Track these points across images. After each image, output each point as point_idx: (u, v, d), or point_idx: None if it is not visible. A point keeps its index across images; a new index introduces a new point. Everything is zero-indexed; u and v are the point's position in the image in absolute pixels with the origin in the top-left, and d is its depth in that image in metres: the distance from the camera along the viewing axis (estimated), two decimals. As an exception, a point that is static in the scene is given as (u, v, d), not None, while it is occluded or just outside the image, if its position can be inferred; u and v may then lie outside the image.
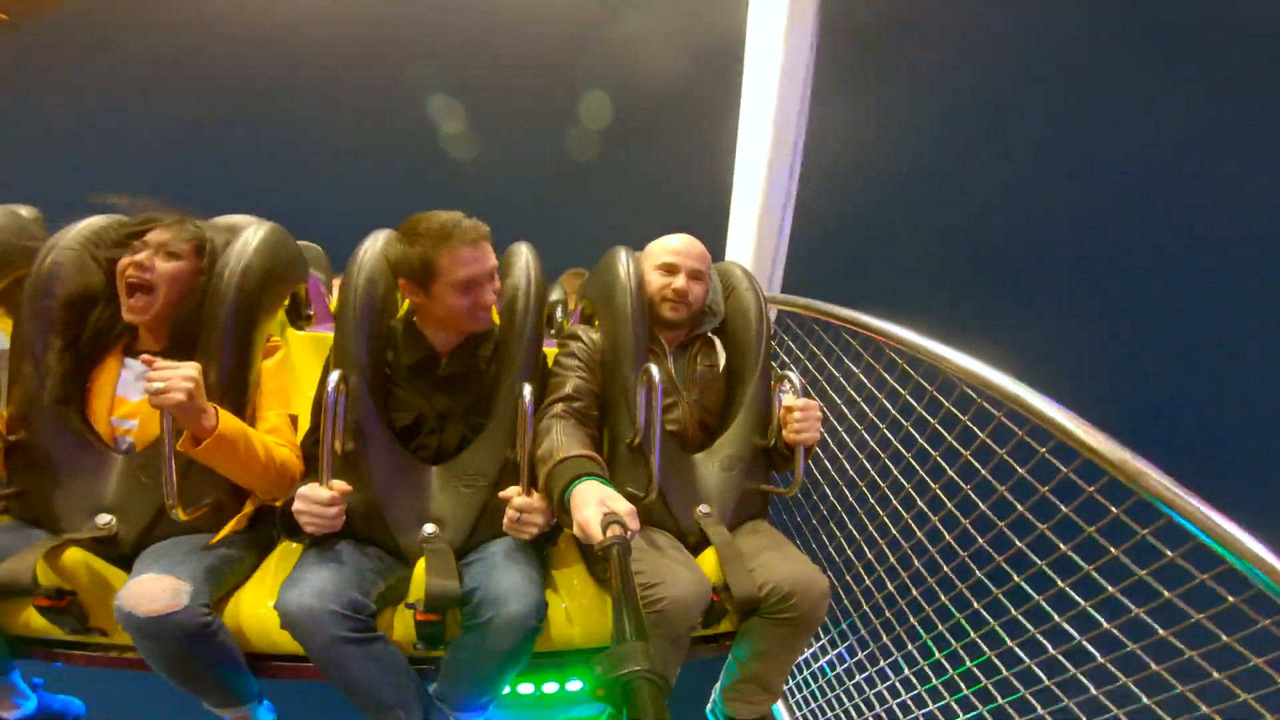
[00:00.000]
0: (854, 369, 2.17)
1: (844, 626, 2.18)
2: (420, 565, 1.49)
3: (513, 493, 1.53)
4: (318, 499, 1.44)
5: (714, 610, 1.60)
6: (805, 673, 2.38)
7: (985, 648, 1.67)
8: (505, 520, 1.53)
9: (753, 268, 2.59)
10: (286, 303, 1.84)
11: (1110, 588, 1.44)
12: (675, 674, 1.63)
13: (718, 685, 1.83)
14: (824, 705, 2.26)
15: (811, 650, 2.35)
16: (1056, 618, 1.53)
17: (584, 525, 1.25)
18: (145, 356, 1.36)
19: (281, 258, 1.69)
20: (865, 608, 2.09)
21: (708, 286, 1.95)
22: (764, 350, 1.92)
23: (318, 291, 2.11)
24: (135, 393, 1.57)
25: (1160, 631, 1.36)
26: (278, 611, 1.38)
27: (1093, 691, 1.46)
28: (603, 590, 1.67)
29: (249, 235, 1.64)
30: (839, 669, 2.20)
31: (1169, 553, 1.35)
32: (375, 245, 1.69)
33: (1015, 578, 1.60)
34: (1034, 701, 1.56)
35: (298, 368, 2.06)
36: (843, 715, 2.15)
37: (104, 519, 1.50)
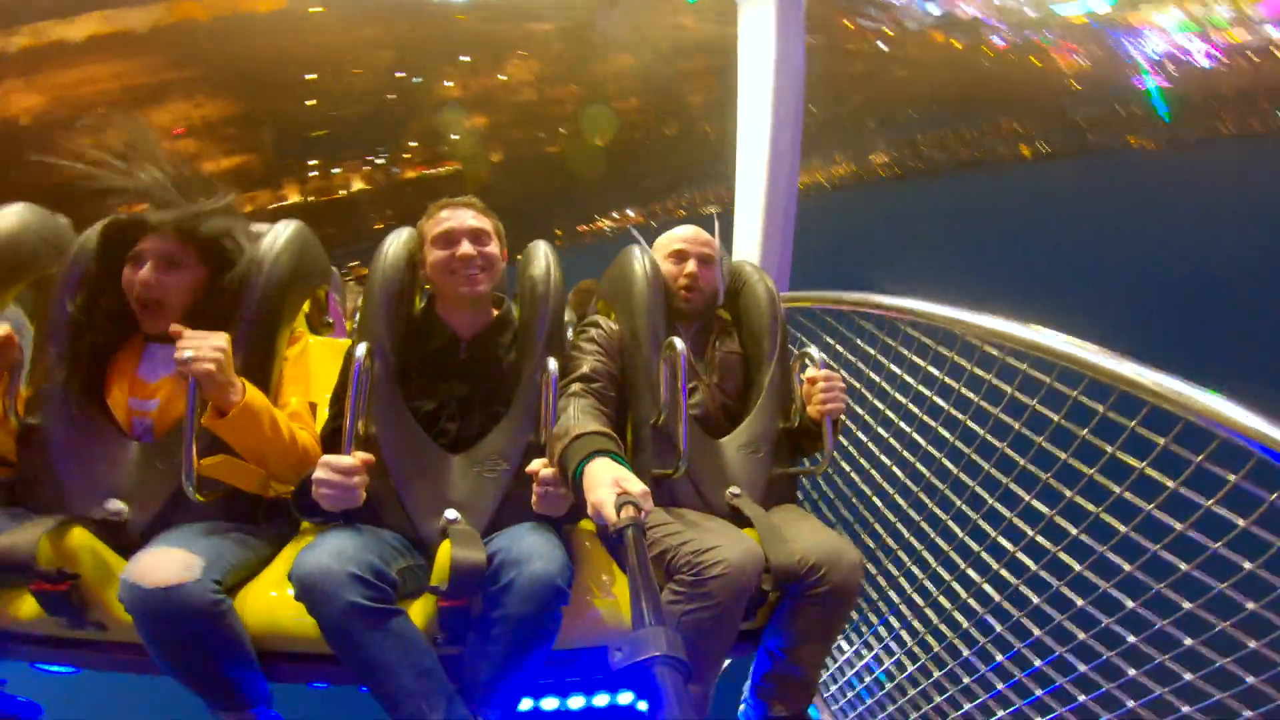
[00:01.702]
0: (870, 350, 2.08)
1: (889, 617, 1.96)
2: (444, 548, 1.37)
3: (538, 465, 1.42)
4: (339, 466, 1.31)
5: (754, 596, 1.43)
6: (850, 674, 2.11)
7: (1052, 612, 1.47)
8: (534, 498, 1.41)
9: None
10: (308, 306, 1.81)
11: (1177, 523, 1.28)
12: (722, 662, 1.46)
13: (748, 683, 1.63)
14: (872, 708, 1.99)
15: (855, 647, 2.11)
16: (1127, 567, 1.35)
17: (598, 506, 1.16)
18: (175, 328, 1.31)
19: (308, 254, 1.70)
20: (910, 591, 1.88)
21: (718, 274, 1.94)
22: (779, 336, 1.87)
23: (336, 311, 2.12)
24: (157, 375, 1.50)
25: (1247, 566, 1.18)
26: (292, 580, 1.24)
27: (1187, 641, 1.26)
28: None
29: (279, 229, 1.65)
30: (887, 663, 1.95)
31: (1230, 476, 1.19)
32: (399, 238, 1.71)
33: (1073, 530, 1.43)
34: (1102, 681, 1.37)
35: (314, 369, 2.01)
36: (896, 715, 1.89)
37: (115, 505, 1.39)
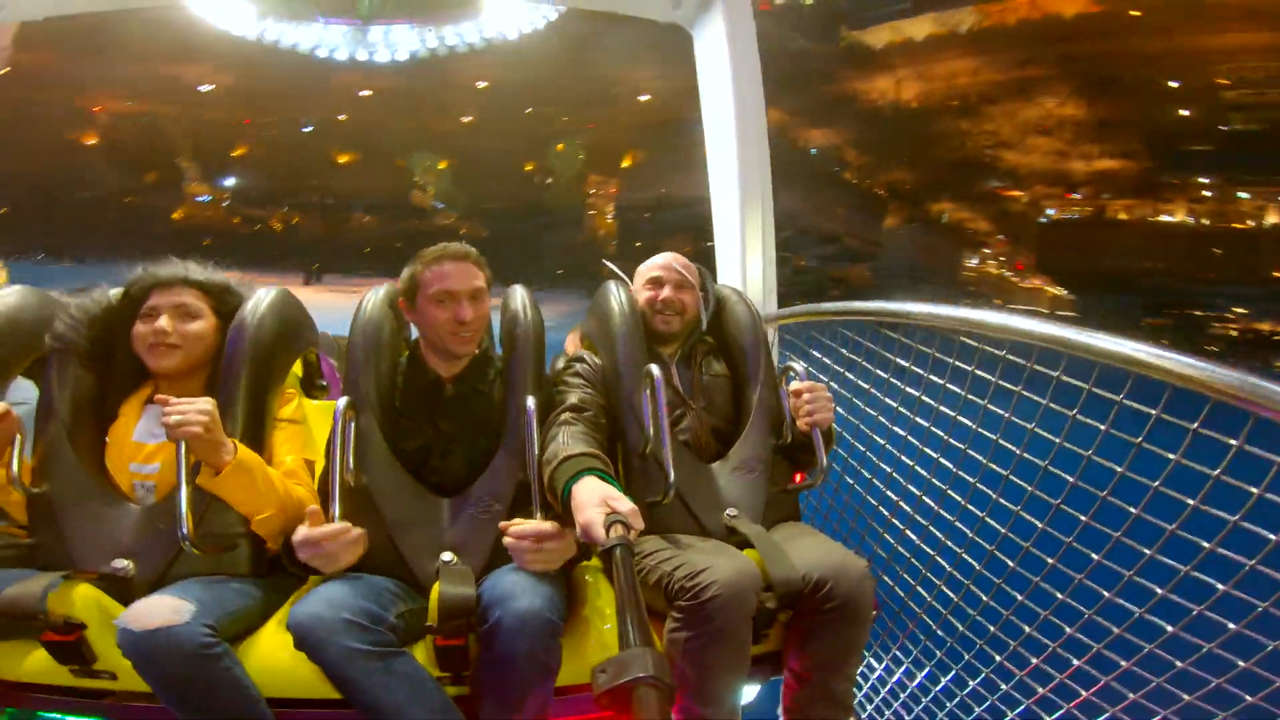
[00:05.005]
0: (855, 357, 2.02)
1: (914, 628, 1.82)
2: (436, 587, 1.32)
3: (519, 524, 1.35)
4: (311, 538, 1.29)
5: (760, 615, 1.37)
6: (884, 691, 1.96)
7: (1080, 607, 1.36)
8: (526, 556, 1.33)
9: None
10: (299, 369, 1.82)
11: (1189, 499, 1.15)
12: (738, 687, 1.37)
13: (779, 708, 1.53)
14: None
15: (884, 664, 1.95)
16: (1147, 553, 1.23)
17: (586, 527, 1.13)
18: (159, 396, 1.33)
19: (291, 317, 1.70)
20: (929, 599, 1.74)
21: (699, 298, 1.90)
22: (763, 354, 1.83)
23: (333, 376, 2.11)
24: (155, 437, 1.50)
25: None
26: (289, 629, 1.22)
27: (1231, 627, 1.14)
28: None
29: (261, 294, 1.66)
30: (919, 677, 1.80)
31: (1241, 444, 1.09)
32: (377, 295, 1.72)
33: (1083, 519, 1.32)
34: (1150, 676, 1.24)
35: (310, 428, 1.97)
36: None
37: (120, 563, 1.39)
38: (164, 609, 1.21)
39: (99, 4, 3.02)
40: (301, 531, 1.30)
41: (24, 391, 1.61)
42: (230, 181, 34.61)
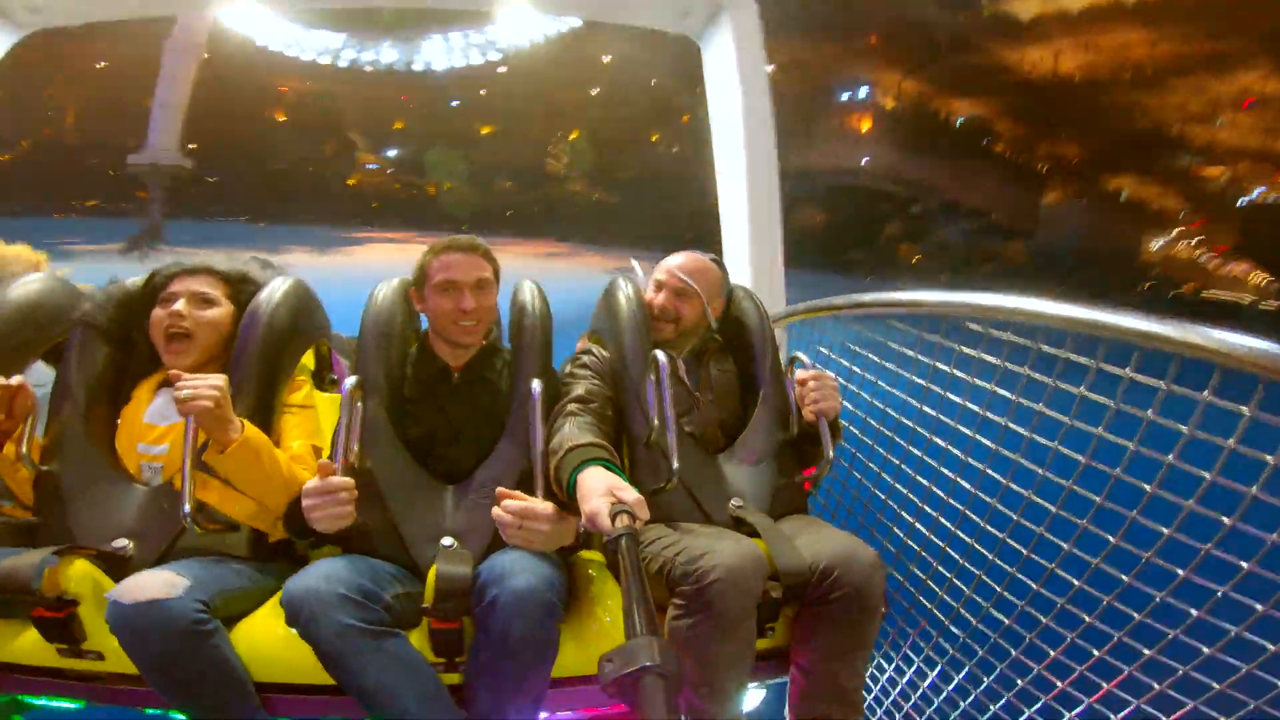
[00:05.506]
0: (859, 349, 2.00)
1: (925, 625, 1.75)
2: (434, 569, 1.31)
3: (514, 498, 1.30)
4: (322, 488, 1.27)
5: (765, 605, 1.34)
6: (895, 692, 1.87)
7: (1097, 593, 1.33)
8: (508, 531, 1.28)
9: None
10: (311, 362, 1.81)
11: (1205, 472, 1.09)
12: (743, 680, 1.32)
13: (786, 706, 1.46)
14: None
15: (894, 663, 1.86)
16: (1165, 531, 1.18)
17: (592, 516, 1.11)
18: (173, 372, 1.34)
19: (305, 307, 1.71)
20: (941, 593, 1.67)
21: (703, 305, 1.83)
22: (770, 349, 1.82)
23: (343, 374, 2.07)
24: (165, 420, 1.51)
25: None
26: (282, 604, 1.20)
27: (1258, 607, 1.09)
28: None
29: (277, 283, 1.67)
30: (931, 676, 1.73)
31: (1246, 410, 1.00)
32: (390, 284, 1.74)
33: (1096, 499, 1.28)
34: (1176, 665, 1.17)
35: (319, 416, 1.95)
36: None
37: (120, 542, 1.38)
38: (157, 582, 1.18)
39: (130, 9, 3.18)
40: (314, 481, 1.29)
41: (38, 375, 1.61)
42: (393, 152, 38.11)
